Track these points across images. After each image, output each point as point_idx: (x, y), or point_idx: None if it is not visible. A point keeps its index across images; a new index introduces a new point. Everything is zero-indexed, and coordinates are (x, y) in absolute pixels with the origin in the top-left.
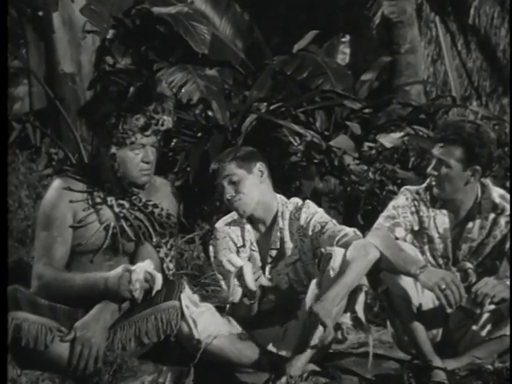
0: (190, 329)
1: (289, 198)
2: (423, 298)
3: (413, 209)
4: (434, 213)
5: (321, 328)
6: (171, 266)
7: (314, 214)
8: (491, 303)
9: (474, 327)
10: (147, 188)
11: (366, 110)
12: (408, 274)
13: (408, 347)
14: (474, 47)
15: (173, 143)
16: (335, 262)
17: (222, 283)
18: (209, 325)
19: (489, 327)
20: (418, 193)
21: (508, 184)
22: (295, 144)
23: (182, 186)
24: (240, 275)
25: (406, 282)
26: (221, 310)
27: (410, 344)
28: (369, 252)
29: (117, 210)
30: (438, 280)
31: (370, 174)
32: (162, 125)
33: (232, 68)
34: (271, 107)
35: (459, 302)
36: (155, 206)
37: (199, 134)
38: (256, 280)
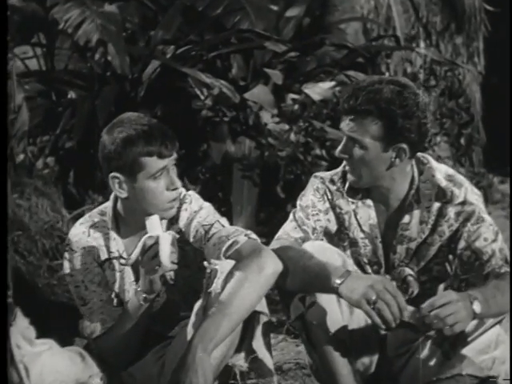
0: (20, 379)
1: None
2: (352, 319)
3: (327, 205)
4: (354, 205)
5: None
6: None
7: (197, 212)
8: (446, 331)
9: (418, 356)
10: None
11: (292, 54)
12: (325, 290)
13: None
14: None
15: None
16: (218, 282)
17: (83, 310)
18: (47, 372)
19: (436, 359)
20: (332, 180)
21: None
22: (202, 98)
23: (71, 149)
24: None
25: (327, 300)
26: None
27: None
28: (264, 265)
29: None
30: (366, 290)
31: (292, 135)
32: None
33: (139, 3)
34: (178, 51)
35: (398, 318)
36: None
37: (96, 86)
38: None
